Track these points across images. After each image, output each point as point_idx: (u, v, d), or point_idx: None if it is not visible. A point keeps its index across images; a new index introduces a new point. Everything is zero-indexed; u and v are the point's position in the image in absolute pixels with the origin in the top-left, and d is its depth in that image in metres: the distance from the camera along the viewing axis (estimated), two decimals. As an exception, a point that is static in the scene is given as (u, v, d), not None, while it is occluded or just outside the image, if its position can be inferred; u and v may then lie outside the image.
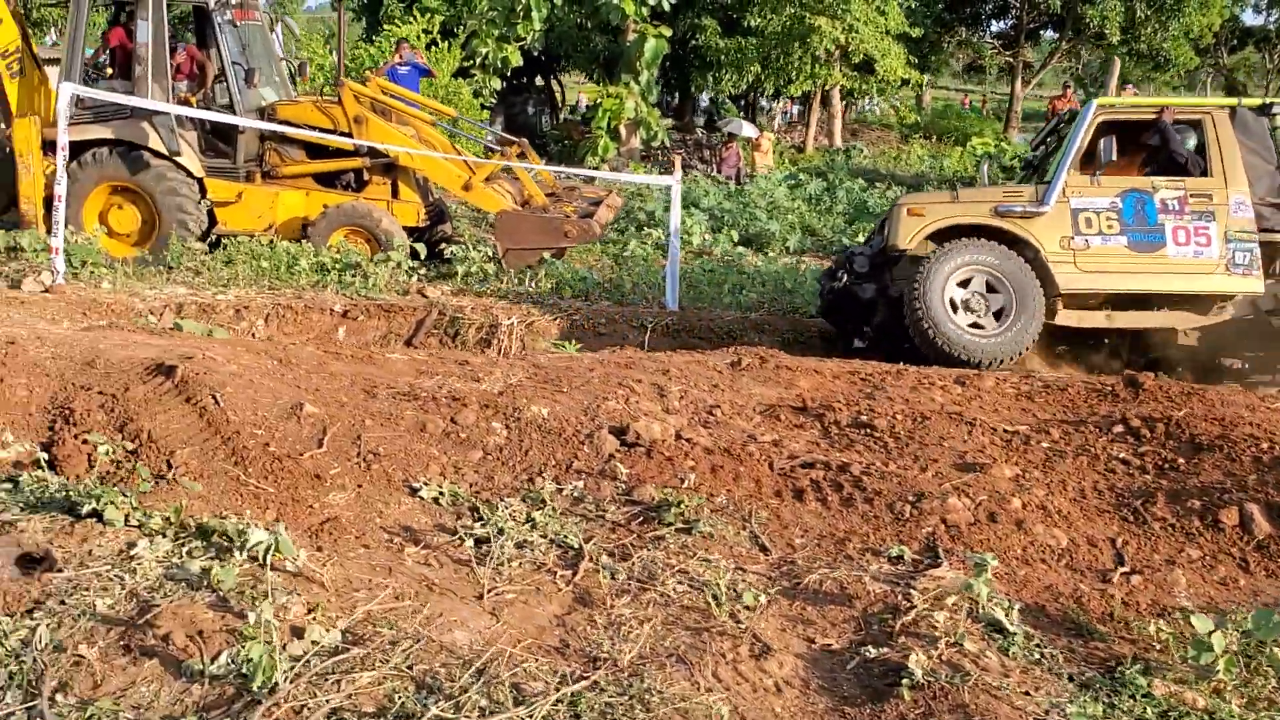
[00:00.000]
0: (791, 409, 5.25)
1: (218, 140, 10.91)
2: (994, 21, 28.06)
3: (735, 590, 3.66)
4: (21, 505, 3.98)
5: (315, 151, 11.06)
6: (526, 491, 4.43)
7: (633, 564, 3.88)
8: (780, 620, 3.53)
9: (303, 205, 10.90)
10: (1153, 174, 7.59)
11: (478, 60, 20.73)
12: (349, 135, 10.67)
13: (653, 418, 4.92)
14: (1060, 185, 7.39)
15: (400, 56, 13.65)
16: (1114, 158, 7.33)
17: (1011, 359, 7.10)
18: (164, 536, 3.71)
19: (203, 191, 10.62)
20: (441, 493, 4.38)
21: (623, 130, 21.80)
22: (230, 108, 10.70)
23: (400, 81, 12.65)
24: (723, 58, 24.18)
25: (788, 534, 4.15)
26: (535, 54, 23.39)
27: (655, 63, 21.72)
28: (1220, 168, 7.38)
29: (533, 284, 9.49)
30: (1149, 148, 7.85)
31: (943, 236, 7.50)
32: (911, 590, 3.64)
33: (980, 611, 3.45)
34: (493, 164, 11.11)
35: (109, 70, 11.05)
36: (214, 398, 4.70)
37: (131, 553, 3.59)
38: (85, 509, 3.80)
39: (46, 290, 8.09)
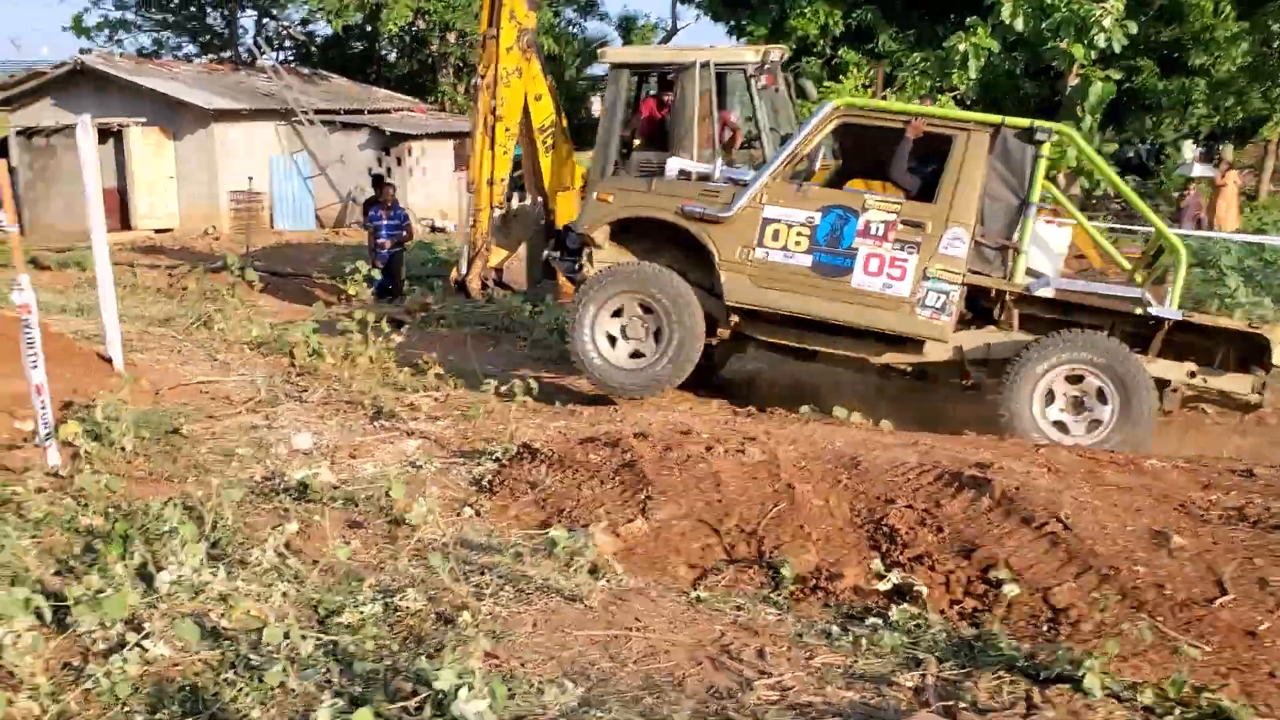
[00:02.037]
0: None
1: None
2: None
3: None
4: (939, 654, 3.42)
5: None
6: None
7: None
8: None
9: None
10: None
11: (910, 113, 19.98)
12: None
13: None
14: (756, 190, 6.84)
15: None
16: (817, 167, 6.79)
17: (668, 387, 7.14)
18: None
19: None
20: None
21: (1061, 179, 20.35)
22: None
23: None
24: (1164, 100, 22.20)
25: None
26: (966, 103, 22.38)
27: (1100, 108, 20.12)
28: (949, 194, 6.56)
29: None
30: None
31: (631, 226, 7.26)
32: None
33: None
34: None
35: (635, 142, 11.12)
36: (1061, 521, 4.03)
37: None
38: (1052, 672, 3.19)
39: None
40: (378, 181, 12.98)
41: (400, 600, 3.62)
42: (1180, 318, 6.48)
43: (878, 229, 6.63)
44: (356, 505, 4.63)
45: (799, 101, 12.38)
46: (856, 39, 22.16)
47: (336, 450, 5.65)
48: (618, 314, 7.19)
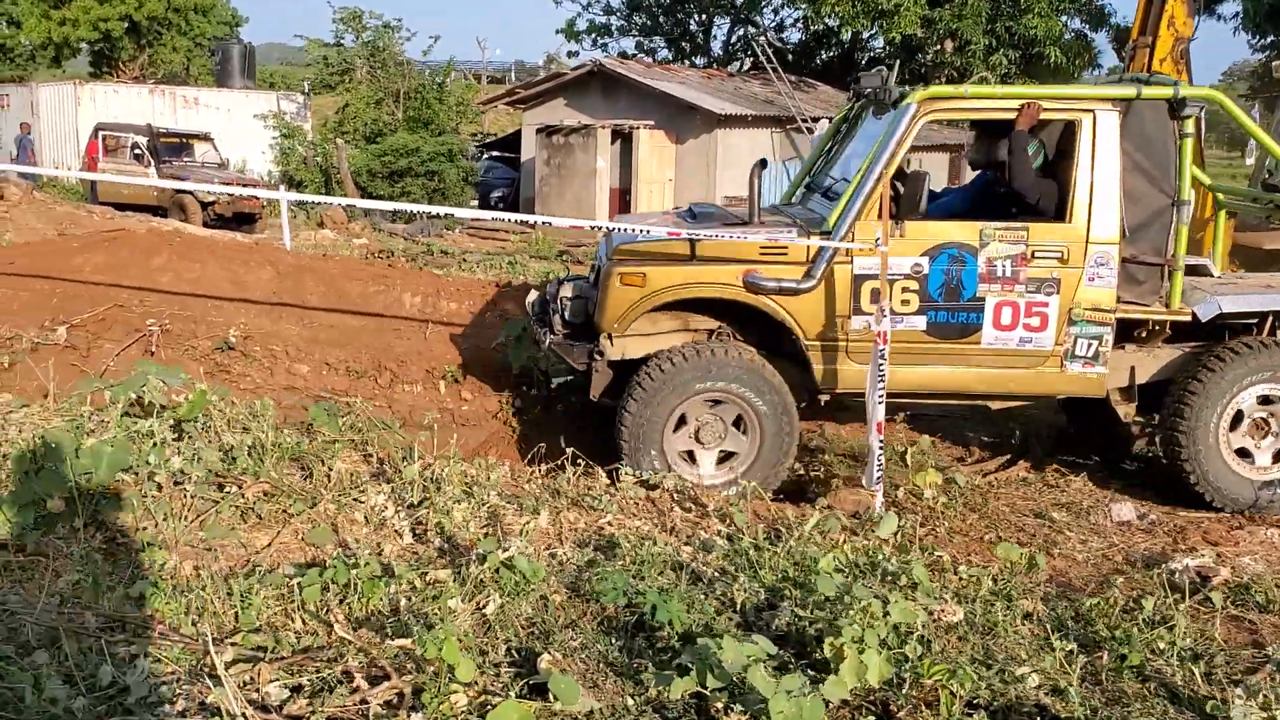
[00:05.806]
0: None
1: None
2: None
3: None
4: None
5: None
6: None
7: None
8: None
9: None
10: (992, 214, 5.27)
11: None
12: None
13: None
14: (842, 238, 5.12)
15: None
16: (924, 202, 5.03)
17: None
18: None
19: None
20: None
21: None
22: None
23: None
24: None
25: None
26: None
27: None
28: (1085, 203, 5.07)
29: None
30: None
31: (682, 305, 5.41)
32: None
33: None
34: None
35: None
36: None
37: None
38: None
39: None
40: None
41: None
42: None
43: (1004, 268, 5.12)
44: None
45: None
46: None
47: (1180, 531, 4.79)
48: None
